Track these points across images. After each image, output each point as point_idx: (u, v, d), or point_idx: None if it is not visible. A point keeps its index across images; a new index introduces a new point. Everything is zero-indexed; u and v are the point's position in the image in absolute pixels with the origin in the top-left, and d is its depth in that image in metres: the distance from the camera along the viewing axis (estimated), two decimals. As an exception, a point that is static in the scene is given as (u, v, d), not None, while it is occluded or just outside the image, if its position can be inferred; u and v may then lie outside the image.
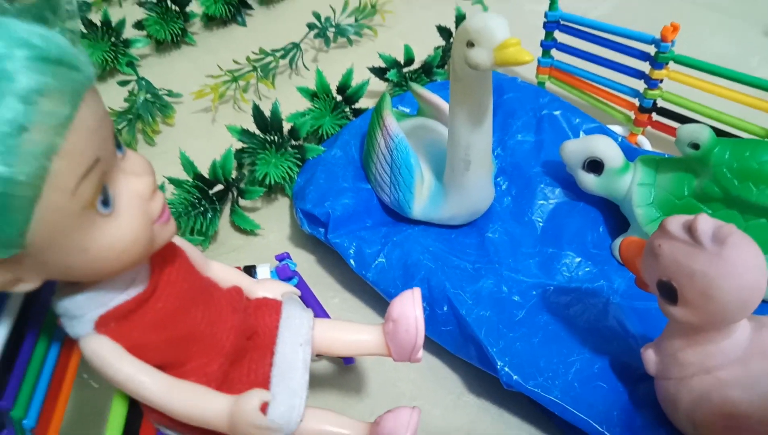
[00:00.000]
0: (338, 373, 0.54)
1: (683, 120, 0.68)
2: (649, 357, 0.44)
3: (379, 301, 0.58)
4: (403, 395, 0.53)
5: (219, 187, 0.67)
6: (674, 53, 0.64)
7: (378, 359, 0.55)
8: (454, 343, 0.51)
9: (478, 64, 0.44)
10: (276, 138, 0.67)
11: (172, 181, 0.64)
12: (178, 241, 0.37)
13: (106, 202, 0.28)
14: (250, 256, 0.65)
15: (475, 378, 0.53)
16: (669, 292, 0.39)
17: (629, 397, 0.47)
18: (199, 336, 0.34)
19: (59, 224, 0.26)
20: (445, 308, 0.51)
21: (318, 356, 0.51)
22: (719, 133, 0.65)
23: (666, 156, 0.58)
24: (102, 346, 0.31)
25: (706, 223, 0.36)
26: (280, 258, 0.45)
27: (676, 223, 0.38)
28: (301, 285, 0.46)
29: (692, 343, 0.41)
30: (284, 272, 0.44)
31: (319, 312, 0.48)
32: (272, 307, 0.39)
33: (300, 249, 0.65)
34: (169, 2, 0.93)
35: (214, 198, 0.65)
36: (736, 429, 0.39)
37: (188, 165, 0.64)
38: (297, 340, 0.37)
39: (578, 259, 0.56)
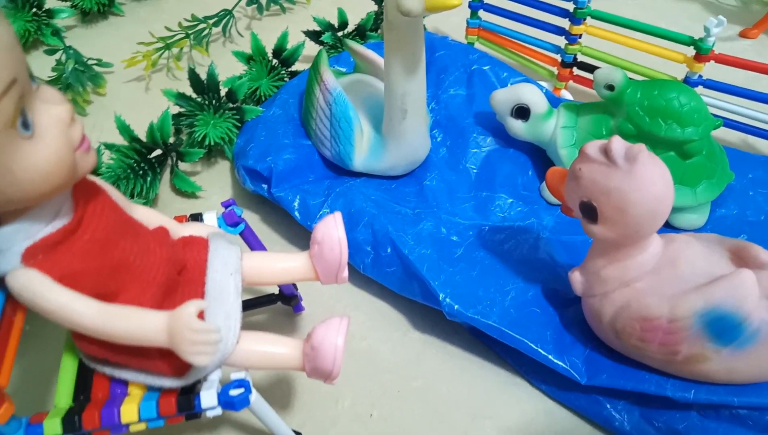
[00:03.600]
0: (288, 322, 0.56)
1: (601, 73, 0.73)
2: (576, 278, 0.48)
3: (324, 251, 0.60)
4: (353, 336, 0.55)
5: (158, 152, 0.66)
6: (591, 9, 0.69)
7: (327, 306, 0.57)
8: (398, 282, 0.54)
9: (410, 11, 0.46)
10: (213, 100, 0.68)
11: (108, 146, 0.64)
12: (100, 182, 0.37)
13: (26, 125, 0.28)
14: (194, 218, 0.65)
15: (420, 316, 0.56)
16: (590, 211, 0.43)
17: (559, 319, 0.51)
18: (130, 266, 0.35)
19: None
20: (389, 250, 0.54)
21: (276, 296, 0.53)
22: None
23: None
24: (31, 278, 0.31)
25: (619, 144, 0.40)
26: (227, 204, 0.46)
27: (593, 147, 0.41)
28: (247, 231, 0.47)
29: (612, 260, 0.45)
30: (231, 218, 0.45)
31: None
32: (200, 243, 0.40)
33: (243, 208, 0.66)
34: (93, -30, 0.90)
35: (154, 161, 0.65)
36: (651, 330, 0.43)
37: (124, 129, 0.64)
38: (227, 269, 0.38)
39: (510, 201, 0.60)
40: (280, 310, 0.57)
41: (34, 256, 0.31)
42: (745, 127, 0.67)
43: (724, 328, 0.41)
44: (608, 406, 0.48)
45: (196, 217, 0.45)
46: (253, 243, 0.48)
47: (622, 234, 0.42)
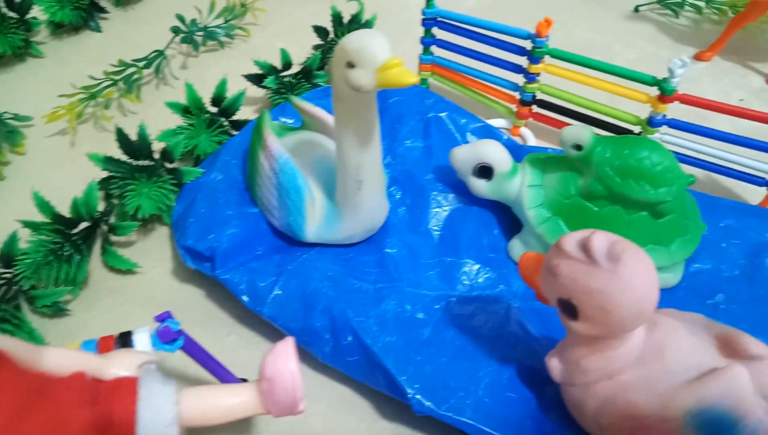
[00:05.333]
0: (242, 420, 0.51)
1: (562, 111, 0.70)
2: (554, 365, 0.44)
3: (280, 333, 0.54)
4: (315, 433, 0.50)
5: (85, 224, 0.59)
6: (549, 47, 0.65)
7: (284, 397, 0.52)
8: (361, 372, 0.49)
9: (360, 87, 0.41)
10: (147, 163, 0.61)
11: (27, 224, 0.56)
12: None
13: None
14: (131, 299, 0.59)
15: (387, 402, 0.51)
16: (569, 309, 0.39)
17: (537, 403, 0.48)
18: None
19: None
20: (350, 338, 0.49)
21: None
22: (594, 121, 0.68)
23: (549, 150, 0.59)
24: None
25: (599, 241, 0.36)
26: (161, 318, 0.40)
27: (571, 242, 0.37)
28: (188, 344, 0.41)
29: (593, 350, 0.41)
30: (167, 335, 0.39)
31: (221, 373, 0.43)
32: (127, 388, 0.34)
33: (185, 283, 0.60)
34: (4, 9, 0.81)
35: (80, 239, 0.58)
36: (640, 429, 0.40)
37: (44, 206, 0.56)
38: (161, 420, 0.33)
39: (477, 266, 0.56)
40: (232, 408, 0.51)
41: None
42: (709, 165, 0.65)
43: (718, 429, 0.38)
44: (595, 501, 0.44)
45: (126, 338, 0.39)
46: (197, 355, 0.42)
47: (604, 332, 0.39)
